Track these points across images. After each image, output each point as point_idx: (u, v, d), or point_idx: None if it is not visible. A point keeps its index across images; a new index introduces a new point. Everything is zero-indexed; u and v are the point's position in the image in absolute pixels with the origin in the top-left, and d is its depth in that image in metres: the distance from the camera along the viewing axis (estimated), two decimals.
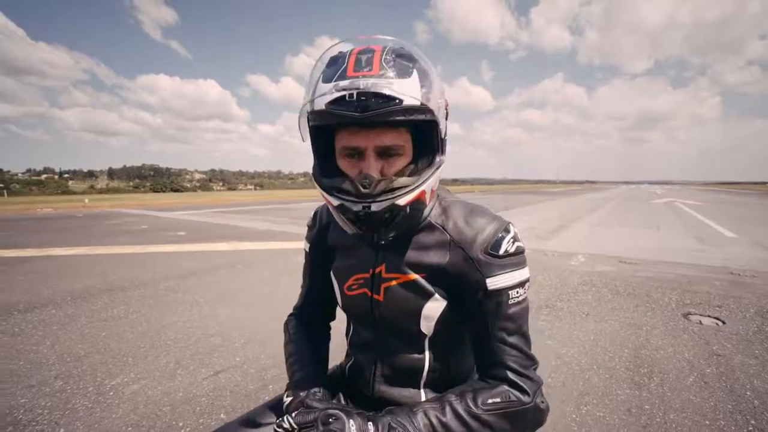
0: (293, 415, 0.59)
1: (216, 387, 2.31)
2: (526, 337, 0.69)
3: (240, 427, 0.76)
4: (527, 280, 0.70)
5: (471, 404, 0.63)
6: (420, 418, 0.61)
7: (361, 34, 0.60)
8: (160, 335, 3.08)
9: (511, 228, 0.70)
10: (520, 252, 0.69)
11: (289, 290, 4.32)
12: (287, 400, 0.65)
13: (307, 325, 0.91)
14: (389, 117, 0.56)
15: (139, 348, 2.85)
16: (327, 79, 0.58)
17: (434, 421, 0.61)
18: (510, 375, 0.66)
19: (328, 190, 0.64)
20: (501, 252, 0.67)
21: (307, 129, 0.63)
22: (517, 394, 0.65)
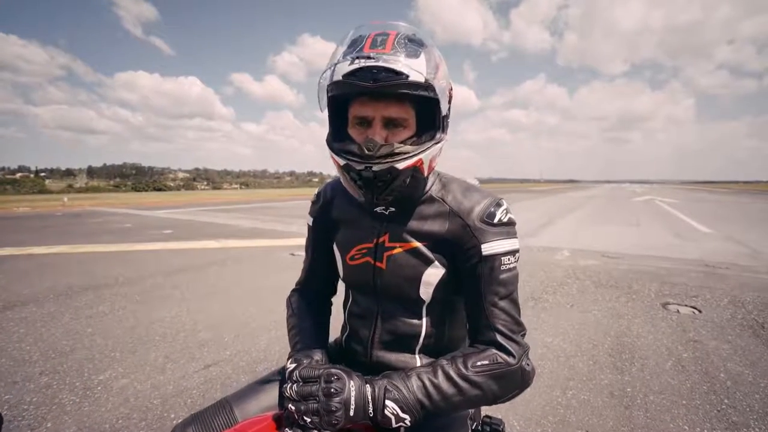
0: (300, 370, 0.62)
1: (207, 380, 2.31)
2: (515, 303, 0.74)
3: (255, 386, 0.83)
4: (518, 250, 0.76)
5: (461, 367, 0.67)
6: (414, 381, 0.66)
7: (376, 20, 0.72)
8: (148, 331, 3.04)
9: (504, 202, 0.77)
10: (512, 223, 0.76)
11: (278, 286, 4.31)
12: (290, 366, 0.67)
13: (308, 299, 0.95)
14: (396, 89, 0.63)
15: (126, 343, 2.81)
16: (346, 55, 0.66)
17: (427, 383, 0.65)
18: (498, 338, 0.71)
19: (336, 151, 0.70)
20: (495, 221, 0.74)
21: (326, 99, 0.70)
22: (504, 356, 0.69)
